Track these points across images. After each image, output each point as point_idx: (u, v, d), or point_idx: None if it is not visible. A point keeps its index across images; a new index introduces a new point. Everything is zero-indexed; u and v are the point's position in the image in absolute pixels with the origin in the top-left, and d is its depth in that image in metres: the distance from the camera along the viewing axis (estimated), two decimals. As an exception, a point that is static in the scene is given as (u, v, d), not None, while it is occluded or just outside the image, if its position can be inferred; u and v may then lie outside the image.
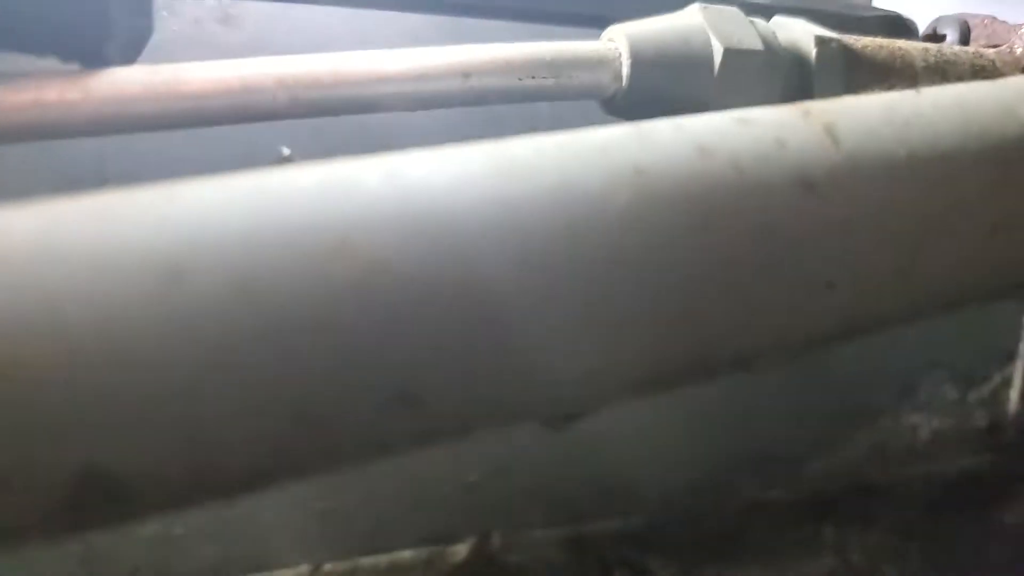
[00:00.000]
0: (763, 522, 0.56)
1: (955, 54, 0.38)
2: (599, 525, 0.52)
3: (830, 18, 0.37)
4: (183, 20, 0.36)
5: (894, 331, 0.23)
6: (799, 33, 0.34)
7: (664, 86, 0.31)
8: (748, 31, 0.32)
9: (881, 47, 0.36)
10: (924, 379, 0.63)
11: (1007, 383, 0.65)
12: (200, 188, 0.16)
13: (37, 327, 0.14)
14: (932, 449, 0.63)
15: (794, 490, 0.58)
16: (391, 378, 0.16)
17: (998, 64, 0.38)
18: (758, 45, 0.32)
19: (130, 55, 0.26)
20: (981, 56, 0.38)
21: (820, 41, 0.34)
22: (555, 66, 0.30)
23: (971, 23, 0.42)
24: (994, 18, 0.41)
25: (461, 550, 0.49)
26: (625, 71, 0.31)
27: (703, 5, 0.33)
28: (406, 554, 0.48)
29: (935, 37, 0.43)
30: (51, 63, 0.24)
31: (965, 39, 0.42)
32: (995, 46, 0.40)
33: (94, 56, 0.24)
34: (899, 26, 0.46)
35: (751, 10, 0.35)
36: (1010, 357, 0.65)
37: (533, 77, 0.29)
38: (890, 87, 0.35)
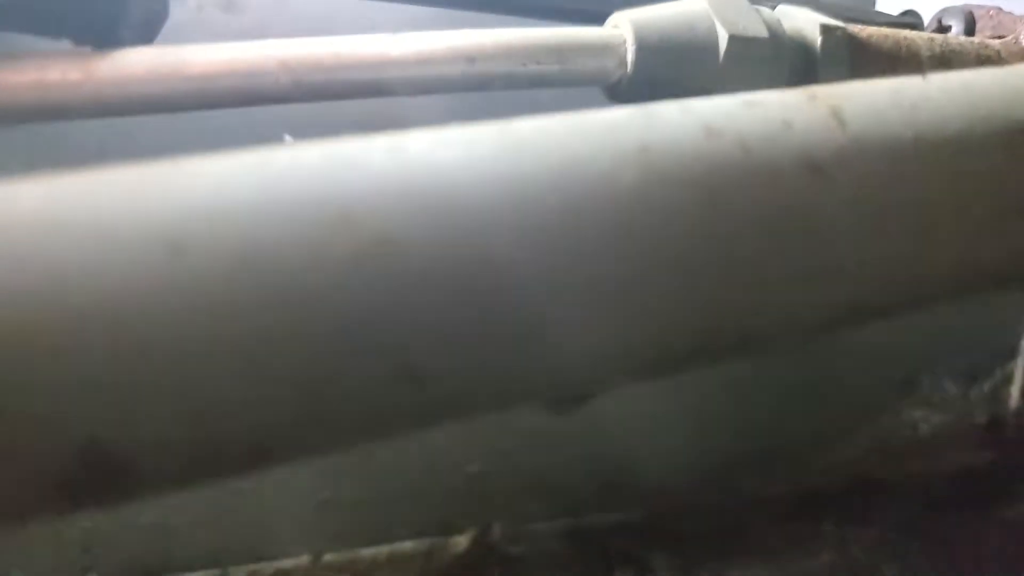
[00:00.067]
0: (763, 517, 0.56)
1: (960, 44, 0.37)
2: (600, 518, 0.52)
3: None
4: (186, 6, 0.36)
5: (897, 323, 0.23)
6: (804, 21, 0.34)
7: (669, 73, 0.31)
8: (753, 18, 0.32)
9: (886, 36, 0.35)
10: (925, 375, 0.63)
11: (1008, 379, 0.65)
12: (203, 163, 0.16)
13: (39, 299, 0.14)
14: (933, 445, 0.63)
15: (794, 486, 0.58)
16: (394, 354, 0.16)
17: (1003, 54, 0.38)
18: (763, 32, 0.32)
19: (146, 38, 0.25)
20: (986, 47, 0.38)
21: (825, 29, 0.34)
22: (560, 52, 0.30)
23: (976, 14, 0.42)
24: (999, 9, 0.41)
25: (462, 541, 0.49)
26: (630, 57, 0.31)
27: (708, -8, 0.33)
28: (407, 545, 0.48)
29: (940, 28, 0.43)
30: (64, 46, 0.24)
31: (970, 30, 0.42)
32: (1000, 37, 0.40)
33: (109, 38, 0.24)
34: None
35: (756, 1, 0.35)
36: (1012, 353, 0.65)
37: (538, 63, 0.29)
38: (895, 76, 0.35)
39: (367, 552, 0.48)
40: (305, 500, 0.46)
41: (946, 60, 0.36)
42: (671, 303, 0.18)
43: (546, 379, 0.18)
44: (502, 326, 0.16)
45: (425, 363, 0.16)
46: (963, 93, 0.23)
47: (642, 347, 0.18)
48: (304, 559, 0.47)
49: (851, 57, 0.34)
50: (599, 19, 0.33)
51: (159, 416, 0.15)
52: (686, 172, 0.18)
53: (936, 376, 0.63)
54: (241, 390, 0.15)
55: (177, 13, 0.31)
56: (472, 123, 0.18)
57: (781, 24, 0.33)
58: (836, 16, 0.35)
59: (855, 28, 0.35)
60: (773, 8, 0.35)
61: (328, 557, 0.47)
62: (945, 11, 0.43)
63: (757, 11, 0.33)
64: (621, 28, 0.32)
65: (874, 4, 0.56)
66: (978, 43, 0.39)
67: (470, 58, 0.28)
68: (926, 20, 0.45)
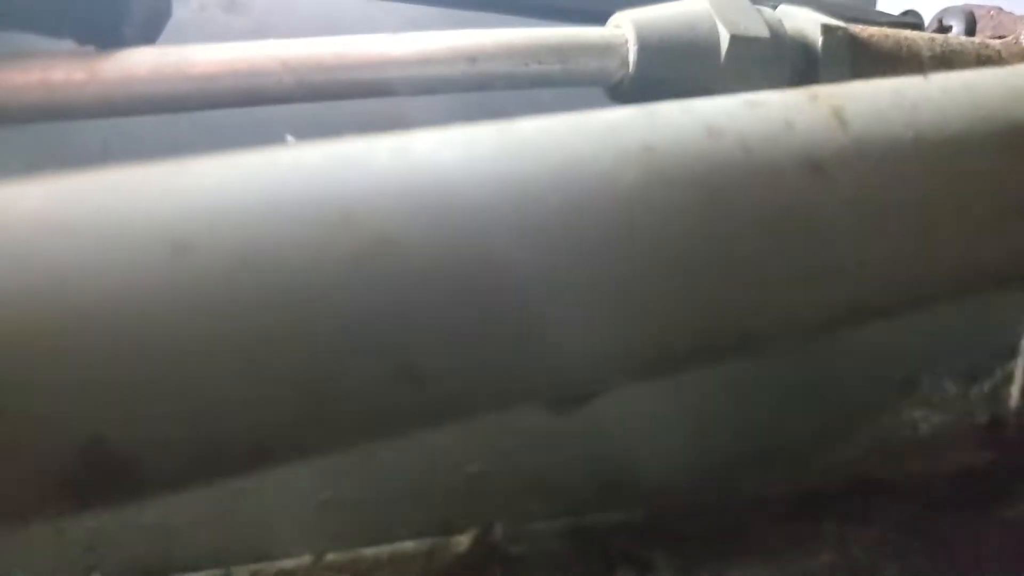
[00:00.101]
0: (763, 518, 0.56)
1: (961, 44, 0.37)
2: (601, 518, 0.52)
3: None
4: (188, 6, 0.36)
5: (897, 322, 0.23)
6: (805, 21, 0.34)
7: (670, 73, 0.31)
8: (754, 18, 0.32)
9: (887, 36, 0.35)
10: (925, 375, 0.63)
11: (1009, 379, 0.65)
12: (205, 163, 0.16)
13: (42, 299, 0.14)
14: (933, 445, 0.63)
15: (794, 486, 0.58)
16: (395, 354, 0.16)
17: (1004, 55, 0.38)
18: (764, 32, 0.32)
19: (148, 37, 0.25)
20: (987, 47, 0.38)
21: (826, 29, 0.34)
22: (562, 52, 0.30)
23: (977, 14, 0.42)
24: (1000, 9, 0.41)
25: (463, 541, 0.49)
26: (632, 57, 0.31)
27: (709, -8, 0.33)
28: (408, 544, 0.48)
29: (941, 28, 0.43)
30: (67, 45, 0.24)
31: (971, 30, 0.42)
32: (1001, 37, 0.40)
33: (112, 38, 0.24)
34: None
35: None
36: (1012, 353, 0.65)
37: (540, 63, 0.29)
38: (896, 77, 0.35)
39: (369, 552, 0.48)
40: (306, 500, 0.46)
41: (947, 60, 0.36)
42: (672, 303, 0.18)
43: (547, 379, 0.18)
44: (503, 326, 0.16)
45: (426, 363, 0.16)
46: (964, 93, 0.23)
47: (643, 347, 0.18)
48: (306, 559, 0.47)
49: (852, 57, 0.34)
50: (601, 19, 0.33)
51: (161, 416, 0.15)
52: (687, 172, 0.18)
53: (936, 376, 0.63)
54: (243, 389, 0.15)
55: (179, 13, 0.31)
56: (473, 123, 0.18)
57: (782, 24, 0.33)
58: (837, 16, 0.35)
59: (856, 28, 0.35)
60: (774, 8, 0.35)
61: (330, 557, 0.47)
62: (946, 11, 0.43)
63: (758, 11, 0.33)
64: (623, 28, 0.32)
65: (875, 4, 0.56)
66: (979, 43, 0.39)
67: (472, 58, 0.28)
68: (927, 20, 0.45)
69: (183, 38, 0.30)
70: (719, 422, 0.57)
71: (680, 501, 0.55)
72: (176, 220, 0.15)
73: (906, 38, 0.36)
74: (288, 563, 0.47)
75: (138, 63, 0.24)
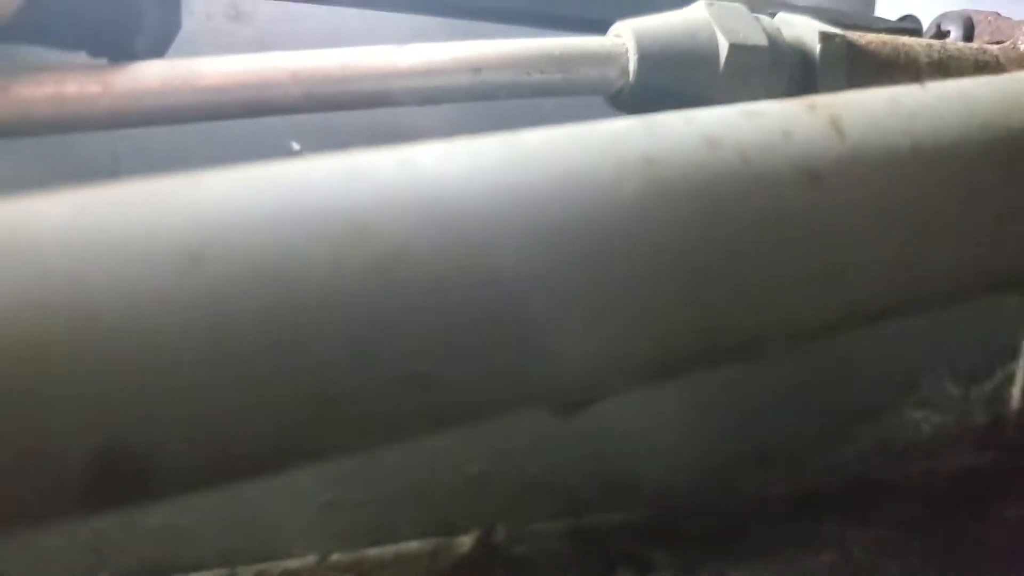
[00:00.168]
0: (765, 517, 0.56)
1: (959, 50, 0.38)
2: (602, 518, 0.53)
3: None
4: (195, 16, 0.36)
5: (898, 324, 0.24)
6: (803, 29, 0.35)
7: (670, 81, 0.31)
8: (753, 27, 0.32)
9: (885, 43, 0.36)
10: (927, 375, 0.63)
11: (1009, 380, 0.65)
12: (219, 177, 0.16)
13: (63, 310, 0.14)
14: (934, 445, 0.63)
15: (796, 485, 0.58)
16: (405, 361, 0.16)
17: (1002, 60, 0.38)
18: (763, 41, 0.32)
19: (159, 50, 0.26)
20: (985, 52, 0.38)
21: (824, 37, 0.34)
22: (563, 61, 0.30)
23: (975, 19, 0.42)
24: (998, 14, 0.42)
25: (466, 541, 0.49)
26: (632, 66, 0.32)
27: (709, 1, 0.34)
28: (412, 545, 0.49)
29: (939, 33, 0.43)
30: (80, 58, 0.24)
31: (969, 35, 0.42)
32: (999, 42, 0.40)
33: (124, 51, 0.24)
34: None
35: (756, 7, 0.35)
36: (1013, 354, 0.65)
37: (541, 72, 0.29)
38: (894, 83, 0.35)
39: (373, 552, 0.48)
40: (310, 501, 0.47)
41: (944, 66, 0.37)
42: (673, 312, 0.18)
43: (551, 385, 0.18)
44: (510, 334, 0.17)
45: (435, 370, 0.16)
46: (960, 101, 0.23)
47: (645, 354, 0.19)
48: (311, 559, 0.47)
49: (850, 64, 0.34)
50: (601, 28, 0.34)
51: (176, 422, 0.15)
52: (687, 183, 0.18)
53: (937, 377, 0.63)
54: (256, 396, 0.15)
55: (186, 23, 0.31)
56: (477, 133, 0.18)
57: (781, 32, 0.34)
58: (835, 23, 0.36)
59: (854, 35, 0.36)
60: (772, 16, 0.36)
61: (334, 557, 0.47)
62: (944, 16, 0.43)
63: (757, 20, 0.33)
64: (623, 37, 0.32)
65: (873, 10, 0.56)
66: (976, 48, 0.39)
67: (475, 68, 0.28)
68: (925, 25, 0.45)
69: (190, 47, 0.30)
70: (719, 422, 0.57)
71: (680, 501, 0.55)
72: (191, 232, 0.15)
73: (904, 44, 0.37)
74: (293, 563, 0.47)
75: (149, 76, 0.25)
